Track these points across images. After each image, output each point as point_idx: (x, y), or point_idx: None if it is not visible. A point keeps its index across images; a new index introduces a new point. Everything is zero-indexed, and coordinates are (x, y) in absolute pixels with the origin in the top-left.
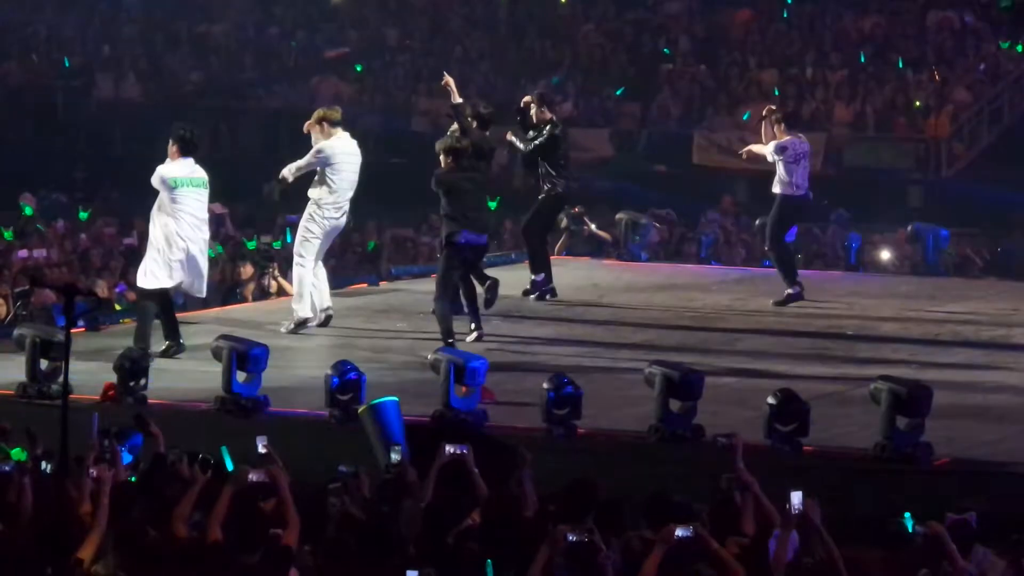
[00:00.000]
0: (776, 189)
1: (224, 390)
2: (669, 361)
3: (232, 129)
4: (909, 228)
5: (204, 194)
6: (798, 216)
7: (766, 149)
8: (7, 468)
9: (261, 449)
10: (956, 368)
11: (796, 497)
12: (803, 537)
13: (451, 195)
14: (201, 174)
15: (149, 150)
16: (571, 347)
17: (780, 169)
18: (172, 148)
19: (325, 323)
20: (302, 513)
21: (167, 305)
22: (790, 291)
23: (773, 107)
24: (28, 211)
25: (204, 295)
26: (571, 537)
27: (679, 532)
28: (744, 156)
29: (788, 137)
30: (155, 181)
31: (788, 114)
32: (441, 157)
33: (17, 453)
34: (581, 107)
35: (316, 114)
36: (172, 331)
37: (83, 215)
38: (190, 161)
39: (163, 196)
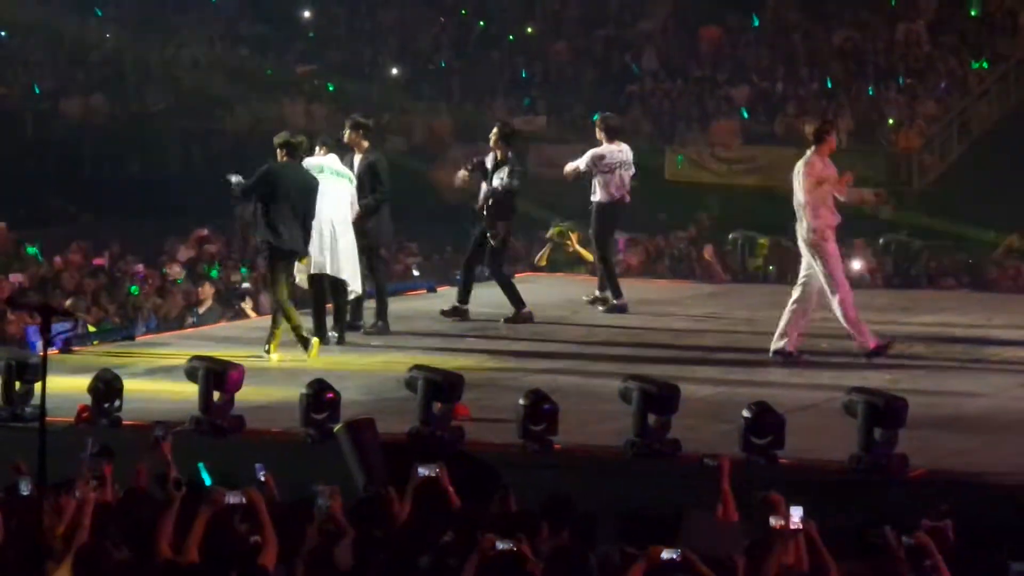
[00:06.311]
0: (594, 198)
1: (200, 410)
2: (645, 375)
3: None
4: (881, 240)
5: None
6: (617, 222)
7: (580, 161)
8: None
9: (260, 477)
10: (929, 378)
11: (796, 512)
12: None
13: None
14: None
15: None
16: (545, 363)
17: (597, 178)
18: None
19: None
20: (279, 533)
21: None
22: (615, 302)
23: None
24: None
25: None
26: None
27: (665, 555)
28: (567, 176)
29: (608, 146)
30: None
31: (609, 124)
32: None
33: None
34: (552, 124)
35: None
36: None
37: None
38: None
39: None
